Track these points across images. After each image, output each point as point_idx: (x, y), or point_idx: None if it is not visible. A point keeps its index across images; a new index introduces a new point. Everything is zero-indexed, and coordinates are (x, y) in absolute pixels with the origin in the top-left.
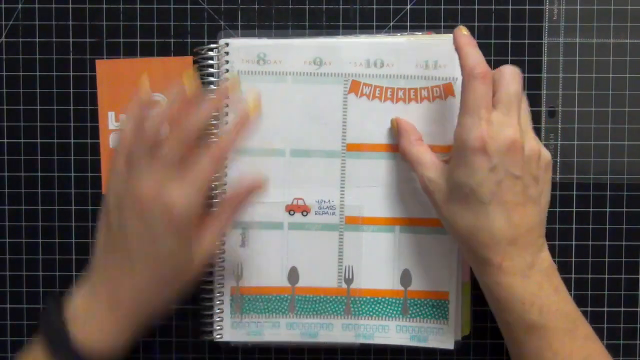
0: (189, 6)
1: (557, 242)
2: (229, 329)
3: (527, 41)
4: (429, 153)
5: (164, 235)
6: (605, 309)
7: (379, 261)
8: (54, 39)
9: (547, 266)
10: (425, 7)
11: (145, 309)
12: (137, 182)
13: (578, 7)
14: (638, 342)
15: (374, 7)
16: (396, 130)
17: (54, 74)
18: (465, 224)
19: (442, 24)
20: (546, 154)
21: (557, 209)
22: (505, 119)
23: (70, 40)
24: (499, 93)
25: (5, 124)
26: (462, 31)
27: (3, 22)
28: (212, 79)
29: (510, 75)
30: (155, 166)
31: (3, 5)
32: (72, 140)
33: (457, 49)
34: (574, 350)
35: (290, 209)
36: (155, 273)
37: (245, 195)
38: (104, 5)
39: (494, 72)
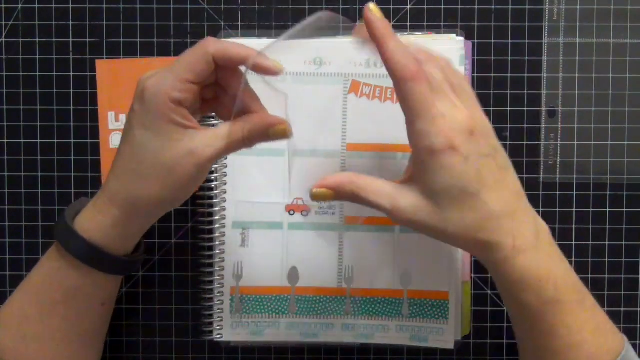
0: (189, 6)
1: (557, 242)
2: (229, 329)
3: (527, 41)
4: (380, 181)
5: (137, 123)
6: (605, 308)
7: (379, 261)
8: (54, 39)
9: (547, 231)
10: (425, 7)
11: (138, 204)
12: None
13: (578, 7)
14: (638, 342)
15: None
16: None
17: (54, 74)
18: (465, 224)
19: (442, 24)
20: (487, 121)
21: (557, 209)
22: (449, 104)
23: (70, 40)
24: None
25: (5, 124)
26: (375, 13)
27: (3, 22)
28: None
29: (428, 60)
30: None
31: (3, 5)
32: (72, 140)
33: (377, 42)
34: (585, 321)
35: (290, 209)
36: (138, 167)
37: (260, 125)
38: (104, 5)
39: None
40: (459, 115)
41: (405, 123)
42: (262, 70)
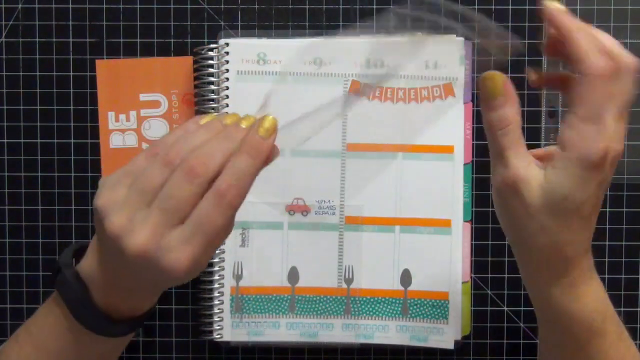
0: (189, 6)
1: None
2: (229, 329)
3: (527, 41)
4: (524, 146)
5: (146, 287)
6: None
7: (379, 261)
8: (54, 39)
9: (592, 259)
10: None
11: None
12: (128, 232)
13: (578, 7)
14: (638, 342)
15: (374, 7)
16: (493, 92)
17: (54, 74)
18: (551, 239)
19: (442, 24)
20: None
21: None
22: (618, 127)
23: (70, 40)
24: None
25: (5, 124)
26: (557, 4)
27: (3, 22)
28: (212, 79)
29: (629, 75)
30: (154, 211)
31: (3, 5)
32: (72, 140)
33: (565, 32)
34: (623, 354)
35: (290, 209)
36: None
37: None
38: (104, 5)
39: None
40: (620, 144)
41: (570, 109)
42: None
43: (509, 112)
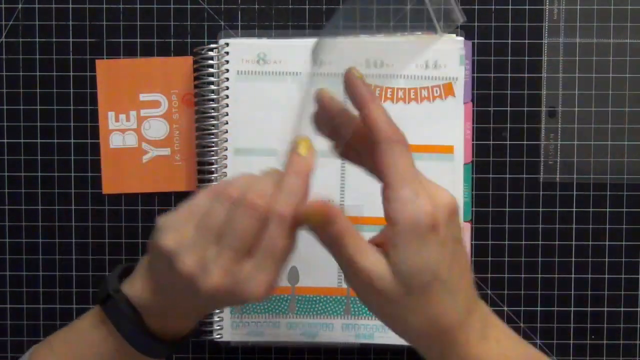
0: (189, 6)
1: (557, 242)
2: (229, 329)
3: (527, 41)
4: (361, 239)
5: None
6: (605, 309)
7: None
8: (54, 39)
9: (487, 311)
10: (425, 7)
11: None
12: (202, 272)
13: (578, 7)
14: (638, 342)
15: (374, 7)
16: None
17: (54, 74)
18: (423, 317)
19: (442, 24)
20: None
21: (557, 209)
22: (427, 180)
23: (70, 40)
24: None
25: (5, 124)
26: (358, 75)
27: (3, 22)
28: (212, 79)
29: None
30: (225, 248)
31: (3, 5)
32: (72, 140)
33: (360, 104)
34: None
35: None
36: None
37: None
38: (104, 5)
39: None
40: (443, 192)
41: (383, 186)
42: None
43: (336, 225)
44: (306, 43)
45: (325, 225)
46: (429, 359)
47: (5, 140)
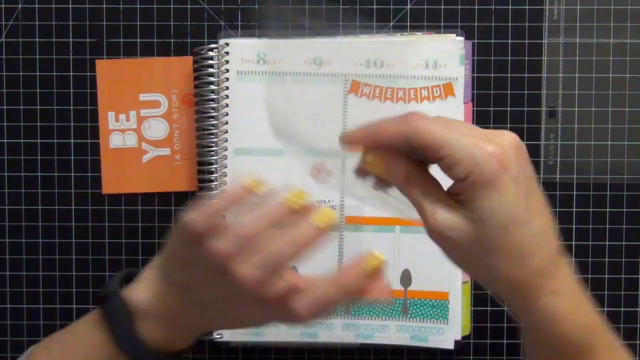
0: (189, 6)
1: None
2: None
3: (527, 41)
4: (439, 187)
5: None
6: (605, 309)
7: None
8: (54, 39)
9: (571, 266)
10: (425, 7)
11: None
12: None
13: (578, 7)
14: (638, 342)
15: (374, 7)
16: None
17: (54, 74)
18: (508, 262)
19: (442, 24)
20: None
21: (557, 209)
22: (478, 128)
23: (70, 40)
24: None
25: (5, 124)
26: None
27: (3, 22)
28: (212, 79)
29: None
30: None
31: (3, 5)
32: (72, 140)
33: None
34: None
35: None
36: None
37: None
38: (104, 5)
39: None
40: (503, 132)
41: (441, 163)
42: None
43: (404, 166)
44: (306, 43)
45: (389, 171)
46: (515, 310)
47: (5, 140)
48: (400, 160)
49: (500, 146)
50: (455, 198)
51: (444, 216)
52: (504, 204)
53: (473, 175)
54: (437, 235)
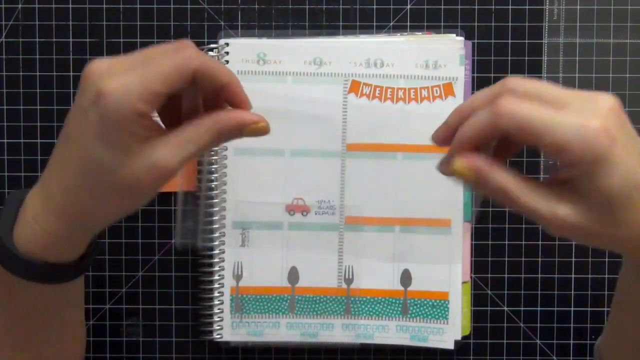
0: (189, 6)
1: (556, 242)
2: (229, 329)
3: (527, 41)
4: (532, 180)
5: (91, 134)
6: (605, 308)
7: (379, 261)
8: (54, 39)
9: None
10: (425, 7)
11: (92, 221)
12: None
13: (578, 7)
14: None
15: (374, 7)
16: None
17: (54, 74)
18: (637, 227)
19: (442, 24)
20: None
21: None
22: (570, 94)
23: (70, 40)
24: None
25: (5, 124)
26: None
27: (3, 22)
28: None
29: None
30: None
31: (3, 5)
32: None
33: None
34: None
35: (290, 209)
36: (93, 185)
37: (233, 124)
38: (104, 5)
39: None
40: (598, 96)
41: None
42: (233, 101)
43: (498, 176)
44: (306, 43)
45: (480, 185)
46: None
47: (5, 140)
48: (493, 169)
49: (604, 117)
50: (561, 183)
51: (566, 212)
52: (623, 176)
53: (586, 156)
54: (565, 232)
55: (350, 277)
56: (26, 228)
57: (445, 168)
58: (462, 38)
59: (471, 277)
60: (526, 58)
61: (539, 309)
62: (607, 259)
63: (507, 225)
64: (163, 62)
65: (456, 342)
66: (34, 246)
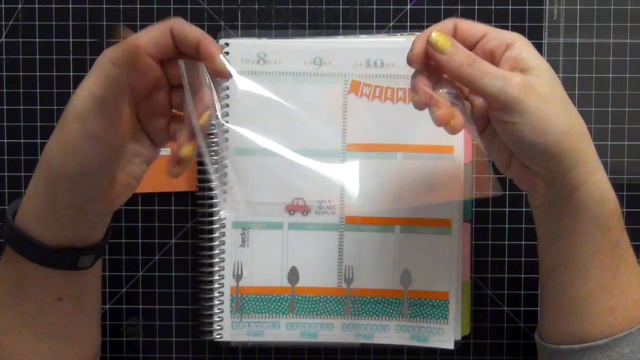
0: (189, 6)
1: None
2: (229, 329)
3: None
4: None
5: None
6: None
7: (379, 261)
8: (54, 39)
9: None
10: (425, 7)
11: (65, 194)
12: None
13: (578, 7)
14: None
15: (374, 7)
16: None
17: (54, 74)
18: (564, 123)
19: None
20: None
21: None
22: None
23: (70, 40)
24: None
25: (5, 124)
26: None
27: (3, 22)
28: None
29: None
30: None
31: (3, 5)
32: None
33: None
34: (628, 245)
35: (290, 209)
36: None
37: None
38: (104, 5)
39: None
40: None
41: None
42: (208, 57)
43: (464, 50)
44: (306, 43)
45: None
46: (557, 175)
47: (5, 141)
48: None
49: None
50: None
51: (516, 84)
52: (552, 86)
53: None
54: (511, 102)
55: (350, 277)
56: (24, 207)
57: (413, 59)
58: None
59: (471, 277)
60: None
61: (539, 308)
62: None
63: (507, 225)
64: (152, 28)
65: (456, 342)
66: (47, 231)
